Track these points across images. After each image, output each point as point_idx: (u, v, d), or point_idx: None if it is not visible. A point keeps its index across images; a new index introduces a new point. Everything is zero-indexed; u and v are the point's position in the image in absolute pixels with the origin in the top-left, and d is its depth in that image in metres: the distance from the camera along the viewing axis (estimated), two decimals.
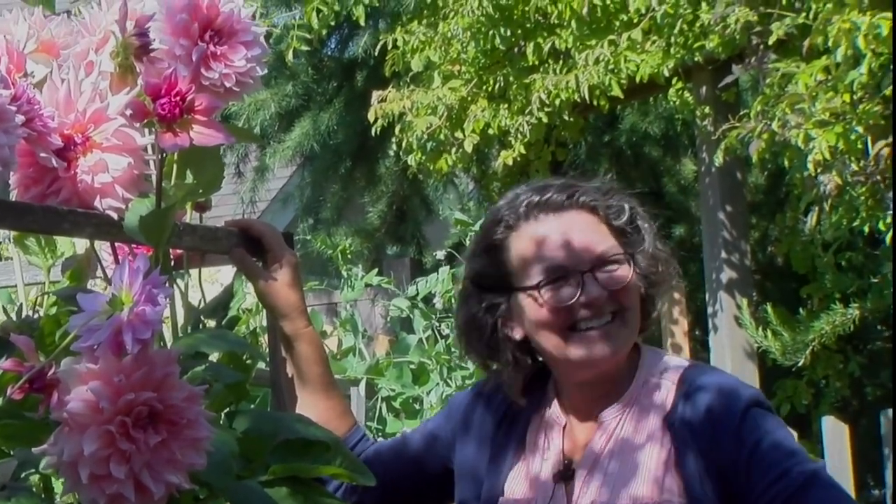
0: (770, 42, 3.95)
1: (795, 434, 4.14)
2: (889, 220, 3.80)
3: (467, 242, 4.71)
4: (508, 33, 4.69)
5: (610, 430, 1.56)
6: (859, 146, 3.67)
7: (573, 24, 4.50)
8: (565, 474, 1.57)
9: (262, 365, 1.61)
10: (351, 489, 1.64)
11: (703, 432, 1.51)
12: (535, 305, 1.56)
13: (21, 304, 1.32)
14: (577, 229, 1.56)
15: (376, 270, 4.96)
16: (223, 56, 1.18)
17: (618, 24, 4.55)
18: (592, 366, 1.56)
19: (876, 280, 4.68)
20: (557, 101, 4.53)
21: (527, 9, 4.60)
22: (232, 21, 1.19)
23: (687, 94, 4.85)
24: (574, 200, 1.57)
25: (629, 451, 1.54)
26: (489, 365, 1.64)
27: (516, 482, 1.61)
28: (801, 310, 4.74)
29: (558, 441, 1.60)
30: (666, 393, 1.56)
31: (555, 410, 1.63)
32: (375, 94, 5.00)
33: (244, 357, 1.36)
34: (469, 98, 4.80)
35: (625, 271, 1.55)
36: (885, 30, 3.42)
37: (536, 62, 4.66)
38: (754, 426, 1.50)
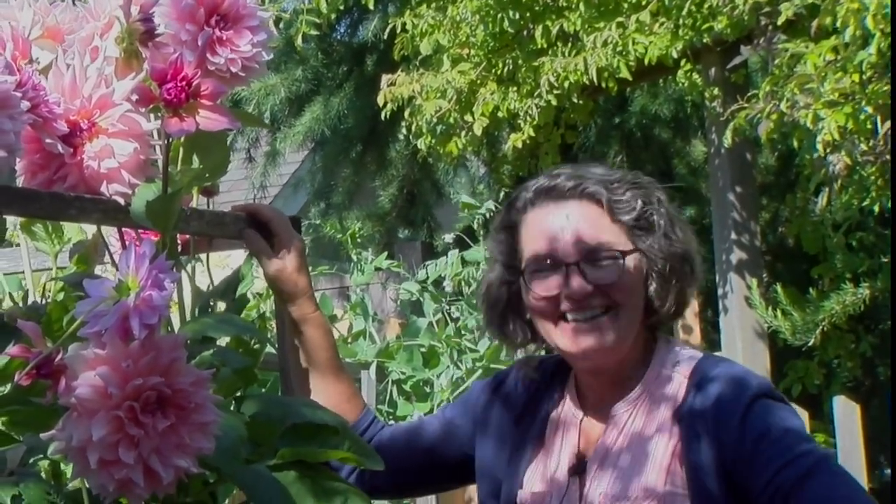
0: (779, 23, 3.93)
1: (807, 414, 4.15)
2: None
3: (476, 226, 4.72)
4: (517, 16, 4.68)
5: (621, 423, 1.56)
6: (868, 126, 3.65)
7: (581, 6, 4.48)
8: (578, 468, 1.57)
9: (270, 349, 1.62)
10: (364, 473, 1.65)
11: (708, 425, 1.50)
12: (526, 290, 1.58)
13: (29, 291, 1.33)
14: (575, 220, 1.55)
15: (387, 254, 4.97)
16: (229, 41, 1.18)
17: (626, 6, 4.53)
18: (582, 357, 1.56)
19: (886, 260, 4.66)
20: (566, 84, 4.51)
21: None
22: (238, 6, 1.18)
23: (696, 75, 4.83)
24: (579, 191, 1.56)
25: (639, 445, 1.54)
26: (504, 336, 1.66)
27: (534, 478, 1.62)
28: (811, 290, 4.72)
29: (574, 436, 1.61)
30: (677, 386, 1.55)
31: (571, 406, 1.63)
32: (385, 78, 4.99)
33: (252, 341, 1.36)
34: (478, 81, 4.79)
35: (615, 269, 1.54)
36: None
37: (545, 45, 4.65)
38: (758, 418, 1.48)
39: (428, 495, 1.86)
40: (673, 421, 1.53)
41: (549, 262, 1.55)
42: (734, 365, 1.59)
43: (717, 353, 1.72)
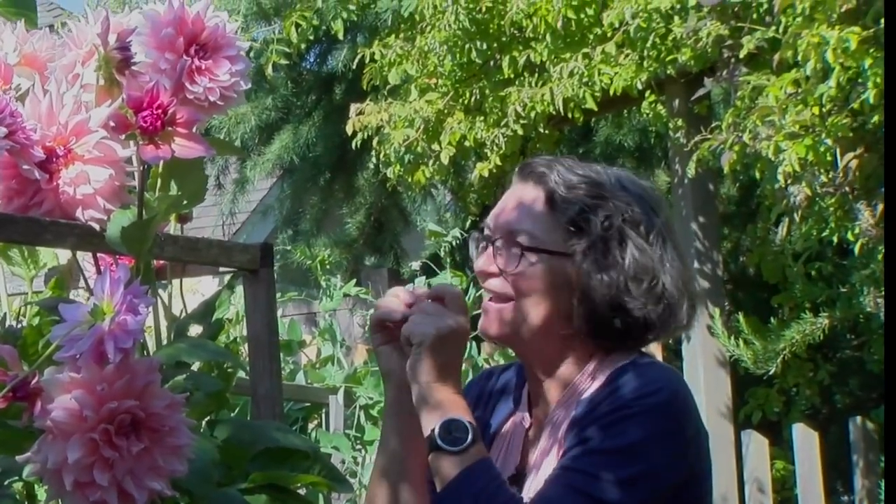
0: (741, 55, 4.00)
1: (767, 441, 4.17)
2: (857, 230, 3.85)
3: (443, 253, 4.75)
4: (484, 47, 4.72)
5: (549, 433, 1.55)
6: (828, 158, 3.72)
7: (548, 37, 4.53)
8: (516, 479, 1.55)
9: (241, 374, 1.63)
10: None
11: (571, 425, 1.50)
12: None
13: (4, 314, 1.34)
14: (514, 200, 1.56)
15: (354, 281, 4.99)
16: (208, 70, 1.19)
17: (592, 37, 4.58)
18: (484, 336, 1.58)
19: (844, 290, 4.72)
20: (533, 114, 4.56)
21: (502, 23, 4.63)
22: (217, 36, 1.20)
23: (660, 106, 4.89)
24: (537, 175, 1.56)
25: (552, 453, 1.53)
26: None
27: None
28: (772, 319, 4.78)
29: (518, 445, 1.60)
30: (591, 391, 1.52)
31: (523, 415, 1.62)
32: (353, 108, 5.02)
33: (226, 365, 1.37)
34: (446, 111, 4.82)
35: (515, 259, 1.52)
36: (853, 44, 3.47)
37: (512, 75, 4.69)
38: (598, 425, 1.45)
39: None
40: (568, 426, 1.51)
41: (482, 231, 1.58)
42: (649, 372, 1.50)
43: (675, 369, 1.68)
